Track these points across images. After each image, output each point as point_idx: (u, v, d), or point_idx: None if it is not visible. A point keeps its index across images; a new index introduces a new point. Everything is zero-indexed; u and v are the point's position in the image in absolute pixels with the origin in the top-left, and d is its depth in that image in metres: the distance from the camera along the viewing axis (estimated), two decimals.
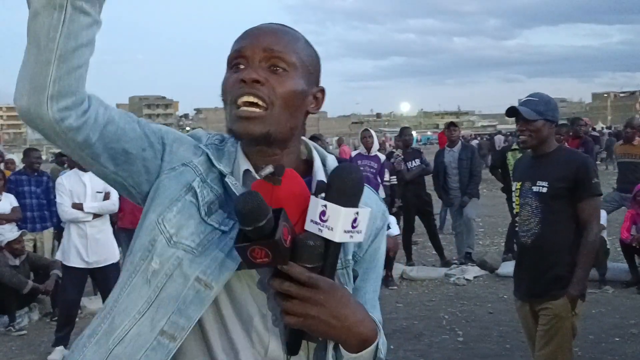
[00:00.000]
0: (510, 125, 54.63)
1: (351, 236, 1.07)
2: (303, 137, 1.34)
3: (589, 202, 3.32)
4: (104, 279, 5.76)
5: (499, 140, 29.64)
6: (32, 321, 6.79)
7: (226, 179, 1.22)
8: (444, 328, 5.98)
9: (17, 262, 6.63)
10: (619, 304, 6.47)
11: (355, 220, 1.07)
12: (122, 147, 1.18)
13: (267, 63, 1.20)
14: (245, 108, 1.18)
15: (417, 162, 8.57)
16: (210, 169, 1.25)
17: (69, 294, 5.70)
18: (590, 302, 5.37)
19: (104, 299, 5.91)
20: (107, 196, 5.77)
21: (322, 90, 1.31)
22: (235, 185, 1.22)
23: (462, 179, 8.48)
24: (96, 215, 5.69)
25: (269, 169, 1.10)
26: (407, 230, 8.64)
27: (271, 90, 1.19)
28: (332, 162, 1.31)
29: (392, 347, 5.24)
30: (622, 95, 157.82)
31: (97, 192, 5.73)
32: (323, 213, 1.06)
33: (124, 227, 7.58)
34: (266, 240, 1.02)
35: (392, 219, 7.82)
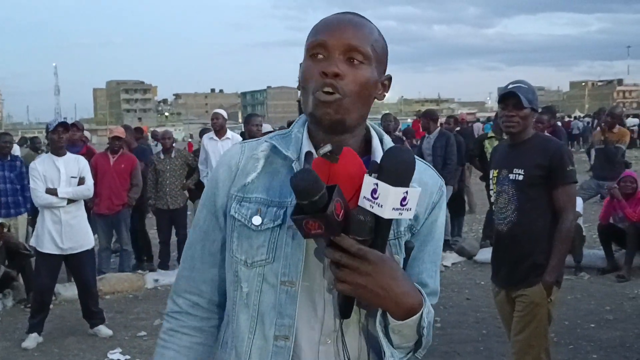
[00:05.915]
0: (490, 113, 54.90)
1: (400, 213, 1.17)
2: None
3: (564, 190, 3.31)
4: (78, 265, 5.67)
5: (478, 128, 29.63)
6: (6, 307, 6.70)
7: (293, 165, 1.34)
8: None
9: None
10: (595, 291, 6.54)
11: (404, 199, 1.16)
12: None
13: (346, 55, 1.31)
14: (324, 95, 1.29)
15: None
16: (271, 159, 1.38)
17: (43, 280, 5.61)
18: (566, 288, 5.42)
19: (78, 285, 5.82)
20: (81, 181, 5.67)
21: (389, 78, 1.43)
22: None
23: (436, 167, 8.46)
24: (71, 201, 5.58)
25: (327, 148, 1.18)
26: None
27: (348, 82, 1.30)
28: (389, 142, 1.42)
29: None
30: (599, 83, 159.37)
31: (72, 177, 5.62)
32: (374, 191, 1.15)
33: (100, 212, 7.48)
34: (319, 214, 1.12)
35: None
